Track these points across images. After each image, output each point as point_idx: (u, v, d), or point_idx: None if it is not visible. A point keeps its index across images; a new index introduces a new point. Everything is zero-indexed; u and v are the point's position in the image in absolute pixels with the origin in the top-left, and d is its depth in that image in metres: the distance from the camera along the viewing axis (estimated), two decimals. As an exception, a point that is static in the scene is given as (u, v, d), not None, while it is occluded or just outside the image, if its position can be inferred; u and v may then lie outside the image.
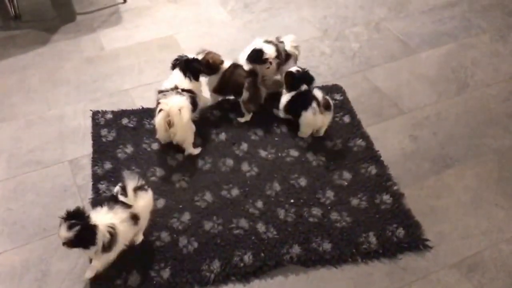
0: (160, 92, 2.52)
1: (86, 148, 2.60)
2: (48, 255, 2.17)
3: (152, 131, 2.66)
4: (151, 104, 2.81)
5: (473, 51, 3.26)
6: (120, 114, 2.77)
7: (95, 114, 2.77)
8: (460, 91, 2.99)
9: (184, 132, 2.48)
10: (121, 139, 2.63)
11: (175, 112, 2.40)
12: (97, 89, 2.96)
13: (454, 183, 2.48)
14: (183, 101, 2.43)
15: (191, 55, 2.64)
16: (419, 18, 3.53)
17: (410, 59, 3.21)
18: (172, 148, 2.57)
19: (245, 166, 2.51)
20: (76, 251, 2.15)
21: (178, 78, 2.57)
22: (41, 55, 3.20)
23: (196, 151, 2.56)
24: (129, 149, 2.58)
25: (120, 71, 3.09)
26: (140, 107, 2.82)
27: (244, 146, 2.61)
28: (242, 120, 2.74)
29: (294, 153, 2.58)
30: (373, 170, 2.51)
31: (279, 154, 2.57)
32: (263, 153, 2.58)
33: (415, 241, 2.22)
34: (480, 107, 2.89)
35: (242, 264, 2.13)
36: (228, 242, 2.20)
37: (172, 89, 2.50)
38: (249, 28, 3.43)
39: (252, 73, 2.65)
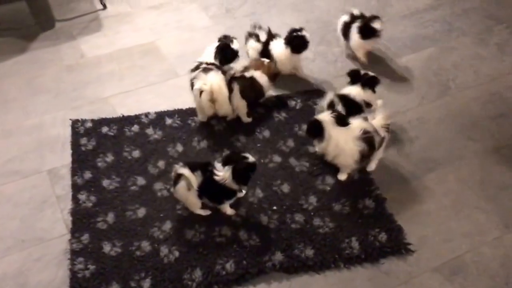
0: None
1: (65, 157, 2.57)
2: (26, 268, 2.14)
3: (133, 139, 2.63)
4: (131, 112, 2.80)
5: (454, 54, 3.28)
6: (100, 122, 2.74)
7: (75, 123, 2.73)
8: (442, 94, 3.00)
9: (227, 104, 2.63)
10: (101, 148, 2.59)
11: (217, 89, 2.55)
12: (77, 97, 2.93)
13: (436, 186, 2.48)
14: (219, 78, 2.58)
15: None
16: (400, 22, 3.55)
17: (392, 63, 3.22)
18: (153, 155, 2.55)
19: (227, 173, 2.49)
20: (56, 263, 2.13)
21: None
22: (19, 63, 3.16)
23: (249, 119, 2.75)
24: (110, 157, 2.55)
25: (100, 79, 3.06)
26: (121, 115, 2.78)
27: (227, 153, 2.59)
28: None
29: (277, 158, 2.57)
30: (355, 175, 2.50)
31: (262, 160, 2.56)
32: (245, 160, 2.56)
33: (397, 246, 2.22)
34: (461, 110, 2.90)
35: (224, 272, 2.11)
36: (210, 251, 2.18)
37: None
38: (231, 33, 3.39)
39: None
